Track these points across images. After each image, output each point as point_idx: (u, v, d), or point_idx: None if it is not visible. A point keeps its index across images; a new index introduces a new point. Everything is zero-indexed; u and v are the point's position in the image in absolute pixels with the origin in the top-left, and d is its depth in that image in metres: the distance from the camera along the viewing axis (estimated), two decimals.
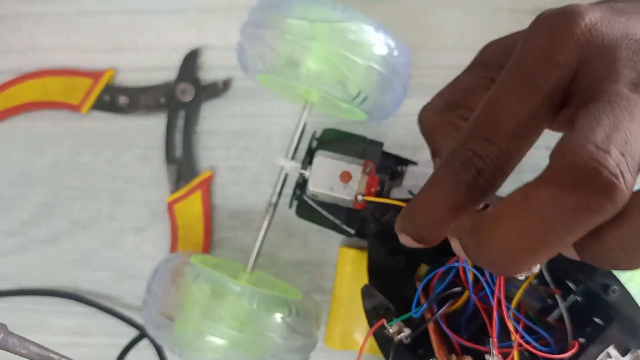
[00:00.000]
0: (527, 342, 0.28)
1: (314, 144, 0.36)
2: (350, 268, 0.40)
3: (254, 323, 0.32)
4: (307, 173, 0.34)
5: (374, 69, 0.33)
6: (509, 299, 0.29)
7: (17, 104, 0.45)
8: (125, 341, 0.42)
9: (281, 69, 0.34)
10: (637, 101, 0.21)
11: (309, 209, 0.36)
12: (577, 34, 0.22)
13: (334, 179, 0.33)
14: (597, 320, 0.30)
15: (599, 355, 0.29)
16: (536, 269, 0.26)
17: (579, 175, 0.19)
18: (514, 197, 0.21)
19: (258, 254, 0.36)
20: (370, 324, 0.30)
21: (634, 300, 0.29)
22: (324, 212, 0.35)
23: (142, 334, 0.42)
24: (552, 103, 0.23)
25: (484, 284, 0.29)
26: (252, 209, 0.43)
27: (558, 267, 0.30)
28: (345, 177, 0.33)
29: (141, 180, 0.44)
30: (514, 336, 0.28)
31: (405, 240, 0.25)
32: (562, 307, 0.30)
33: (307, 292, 0.39)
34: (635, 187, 0.20)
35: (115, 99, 0.44)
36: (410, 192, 0.32)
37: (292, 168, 0.35)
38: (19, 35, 0.46)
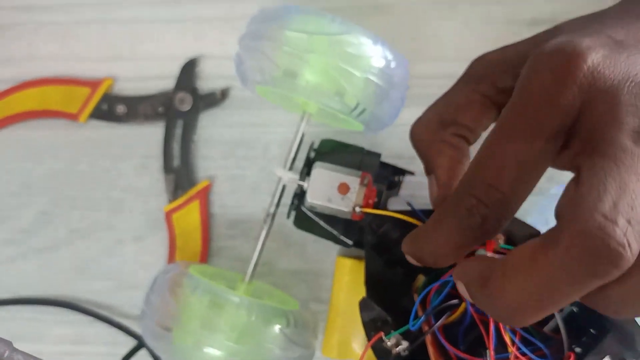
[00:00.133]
0: (524, 354, 0.29)
1: (312, 154, 0.37)
2: (347, 278, 0.40)
3: (252, 334, 0.33)
4: (305, 184, 0.34)
5: (371, 81, 0.33)
6: None
7: (15, 113, 0.45)
8: (123, 350, 0.43)
9: (279, 81, 0.34)
10: None
11: (307, 219, 0.36)
12: (580, 78, 0.22)
13: (332, 191, 0.33)
14: (592, 330, 0.30)
15: None
16: None
17: (588, 245, 0.20)
18: (523, 255, 0.21)
19: (256, 264, 0.36)
20: (369, 337, 0.30)
21: None
22: (322, 223, 0.35)
23: (141, 344, 0.42)
24: (555, 146, 0.23)
25: None
26: (250, 218, 0.43)
27: None
28: (343, 189, 0.33)
29: (139, 189, 0.44)
30: (511, 348, 0.28)
31: (411, 260, 0.26)
32: (558, 317, 0.30)
33: (304, 301, 0.39)
34: None
35: (113, 108, 0.44)
36: (409, 204, 0.33)
37: (290, 179, 0.35)
38: (18, 44, 0.46)
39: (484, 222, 0.23)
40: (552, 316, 0.31)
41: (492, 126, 0.30)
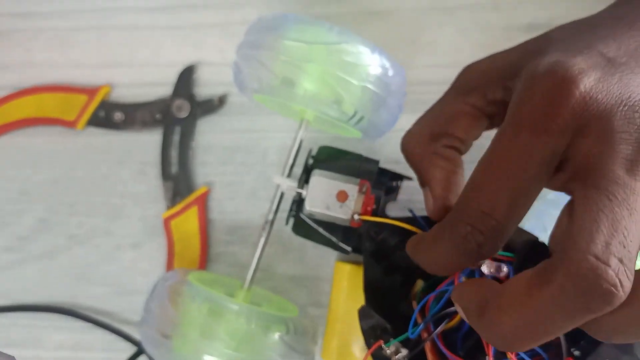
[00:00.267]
0: (522, 359, 0.29)
1: (310, 161, 0.37)
2: (346, 283, 0.40)
3: (251, 342, 0.33)
4: (303, 192, 0.35)
5: (369, 90, 0.34)
6: None
7: (13, 120, 0.45)
8: (122, 356, 0.43)
9: (277, 90, 0.34)
10: (633, 188, 0.21)
11: (305, 226, 0.36)
12: (573, 103, 0.22)
13: (331, 199, 0.34)
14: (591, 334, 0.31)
15: None
16: None
17: (581, 286, 0.21)
18: (519, 289, 0.22)
19: (255, 271, 0.37)
20: (368, 345, 0.30)
21: None
22: (321, 230, 0.35)
23: (140, 350, 0.42)
24: (548, 171, 0.23)
25: None
26: (248, 224, 0.44)
27: None
28: (342, 196, 0.34)
29: (137, 196, 0.44)
30: (509, 354, 0.29)
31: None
32: None
33: (303, 306, 0.39)
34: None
35: (111, 115, 0.44)
36: (410, 211, 0.33)
37: (289, 187, 0.35)
38: (15, 51, 0.46)
39: (480, 247, 0.24)
40: None
41: (483, 135, 0.31)
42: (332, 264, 0.42)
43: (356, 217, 0.33)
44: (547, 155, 0.23)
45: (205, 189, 0.43)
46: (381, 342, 0.29)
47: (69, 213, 0.45)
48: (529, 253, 0.30)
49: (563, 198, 0.24)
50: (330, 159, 0.37)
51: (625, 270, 0.21)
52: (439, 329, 0.28)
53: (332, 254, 0.42)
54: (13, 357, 0.23)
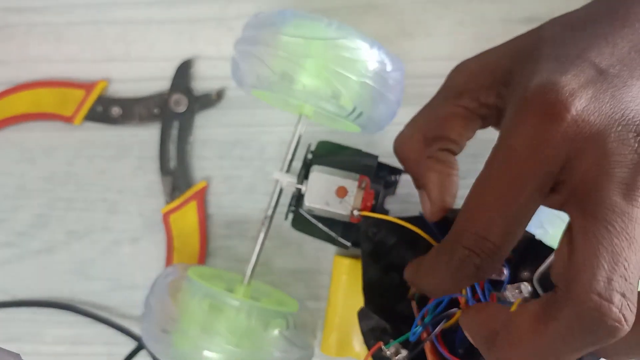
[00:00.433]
0: None
1: (309, 156, 0.37)
2: (345, 277, 0.40)
3: (251, 337, 0.33)
4: (303, 188, 0.35)
5: (368, 85, 0.34)
6: None
7: (9, 116, 0.45)
8: (121, 350, 0.43)
9: (276, 85, 0.34)
10: (631, 215, 0.21)
11: (305, 221, 0.36)
12: (564, 127, 0.22)
13: (330, 194, 0.34)
14: None
15: None
16: (527, 292, 0.27)
17: (586, 323, 0.21)
18: (526, 324, 0.23)
19: (254, 266, 0.37)
20: (368, 346, 0.31)
21: None
22: (320, 225, 0.35)
23: (141, 345, 0.42)
24: (542, 193, 0.23)
25: (481, 297, 0.29)
26: (247, 219, 0.44)
27: (550, 282, 0.30)
28: (341, 192, 0.34)
29: (136, 191, 0.44)
30: None
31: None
32: None
33: (302, 300, 0.40)
34: None
35: (108, 110, 0.44)
36: (421, 214, 0.33)
37: (288, 183, 0.35)
38: (9, 46, 0.46)
39: (477, 269, 0.24)
40: None
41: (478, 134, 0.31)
42: (330, 258, 0.42)
43: (356, 212, 0.33)
44: (540, 179, 0.23)
45: (204, 183, 0.43)
46: (381, 343, 0.29)
47: (67, 208, 0.45)
48: (526, 250, 0.30)
49: None
50: (329, 154, 0.37)
51: (628, 304, 0.21)
52: (437, 329, 0.29)
53: (331, 247, 0.42)
54: (18, 354, 0.23)
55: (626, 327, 0.21)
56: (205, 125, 0.44)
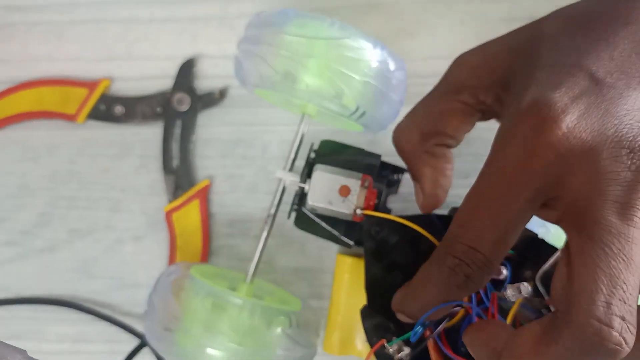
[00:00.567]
0: None
1: (312, 155, 0.37)
2: (347, 275, 0.41)
3: (255, 336, 0.33)
4: (306, 186, 0.35)
5: (370, 85, 0.34)
6: (505, 313, 0.29)
7: (12, 114, 0.45)
8: (123, 348, 0.43)
9: (279, 85, 0.34)
10: (627, 236, 0.21)
11: (307, 220, 0.36)
12: (555, 144, 0.22)
13: (333, 193, 0.34)
14: None
15: None
16: (527, 292, 0.27)
17: (587, 347, 0.21)
18: (527, 345, 0.23)
19: (257, 264, 0.37)
20: (371, 344, 0.31)
21: None
22: (323, 224, 0.36)
23: (143, 343, 0.42)
24: (532, 208, 0.24)
25: (484, 297, 0.29)
26: (249, 217, 0.44)
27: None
28: (344, 191, 0.34)
29: (138, 189, 0.44)
30: None
31: (402, 317, 0.28)
32: None
33: (305, 299, 0.40)
34: None
35: (111, 108, 0.44)
36: (430, 214, 0.33)
37: (291, 181, 0.36)
38: (11, 45, 0.46)
39: (468, 279, 0.24)
40: None
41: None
42: (333, 256, 0.42)
43: (359, 211, 0.33)
44: (531, 193, 0.23)
45: (207, 182, 0.44)
46: (384, 341, 0.30)
47: (69, 207, 0.45)
48: (527, 249, 0.30)
49: None
50: (332, 153, 0.37)
51: (628, 327, 0.21)
52: (440, 328, 0.29)
53: (333, 246, 0.43)
54: (24, 350, 0.23)
55: (626, 349, 0.21)
56: (207, 124, 0.44)
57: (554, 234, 0.32)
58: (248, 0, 0.45)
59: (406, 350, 0.29)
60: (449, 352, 0.29)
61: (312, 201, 0.34)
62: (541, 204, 0.24)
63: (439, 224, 0.32)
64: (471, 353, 0.26)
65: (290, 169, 0.37)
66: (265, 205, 0.37)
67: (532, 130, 0.23)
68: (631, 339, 0.22)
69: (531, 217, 0.24)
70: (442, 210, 0.34)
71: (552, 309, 0.31)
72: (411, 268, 0.33)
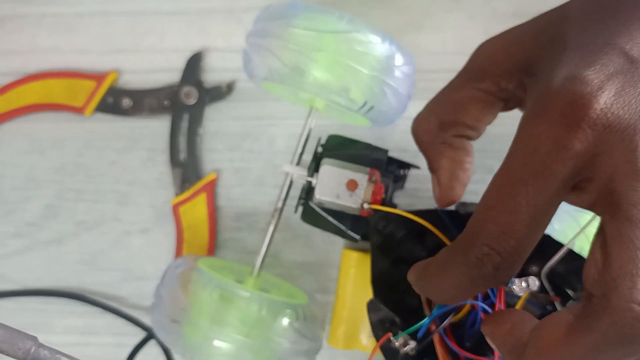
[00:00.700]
0: None
1: (319, 150, 0.37)
2: (353, 270, 0.41)
3: (262, 328, 0.33)
4: (313, 181, 0.35)
5: (379, 79, 0.34)
6: (511, 307, 0.29)
7: (20, 106, 0.45)
8: (131, 341, 0.43)
9: (287, 78, 0.34)
10: None
11: (314, 214, 0.36)
12: (593, 119, 0.21)
13: (341, 188, 0.34)
14: None
15: None
16: (534, 286, 0.27)
17: (627, 334, 0.20)
18: (558, 334, 0.22)
19: (264, 257, 0.37)
20: (377, 337, 0.31)
21: None
22: (330, 219, 0.36)
23: (151, 335, 0.42)
24: (565, 190, 0.22)
25: (489, 291, 0.29)
26: (256, 211, 0.44)
27: (558, 277, 0.31)
28: (352, 185, 0.34)
29: (146, 182, 0.45)
30: None
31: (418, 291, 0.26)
32: None
33: (311, 293, 0.40)
34: None
35: (119, 101, 0.44)
36: (436, 210, 0.32)
37: (299, 175, 0.36)
38: (19, 37, 0.46)
39: (496, 270, 0.22)
40: (555, 311, 0.31)
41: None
42: (339, 251, 0.42)
43: (366, 206, 0.34)
44: (566, 173, 0.22)
45: (214, 175, 0.44)
46: (390, 334, 0.30)
47: (77, 199, 0.45)
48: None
49: None
50: (339, 147, 0.37)
51: None
52: (446, 322, 0.29)
53: (340, 241, 0.43)
54: (35, 337, 0.23)
55: None
56: (215, 118, 0.44)
57: (559, 231, 0.32)
58: None
59: (412, 344, 0.29)
60: (454, 347, 0.29)
61: (319, 195, 0.34)
62: (572, 187, 0.23)
63: (446, 219, 0.32)
64: (492, 344, 0.25)
65: (298, 163, 0.37)
66: (272, 199, 0.38)
67: (569, 106, 0.21)
68: None
69: (562, 200, 0.23)
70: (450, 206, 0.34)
71: (558, 305, 0.31)
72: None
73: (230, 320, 0.33)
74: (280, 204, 0.37)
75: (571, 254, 0.30)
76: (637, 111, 0.21)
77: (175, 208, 0.43)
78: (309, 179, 0.35)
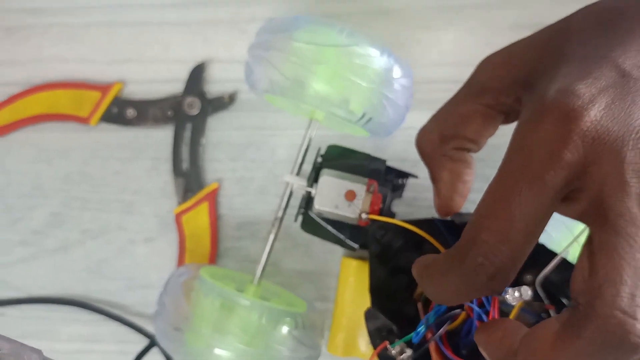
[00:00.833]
0: None
1: (319, 160, 0.38)
2: (352, 278, 0.41)
3: (262, 336, 0.34)
4: (313, 190, 0.35)
5: (377, 91, 0.34)
6: (505, 316, 0.30)
7: (27, 117, 0.46)
8: (134, 348, 0.44)
9: (288, 90, 0.35)
10: None
11: (314, 224, 0.37)
12: (584, 131, 0.22)
13: (339, 198, 0.34)
14: None
15: None
16: (527, 296, 0.27)
17: (611, 340, 0.21)
18: (546, 341, 0.22)
19: (264, 266, 0.38)
20: (374, 345, 0.31)
21: None
22: (330, 228, 0.36)
23: (153, 342, 0.43)
24: (559, 198, 0.23)
25: (484, 300, 0.30)
26: (257, 220, 0.44)
27: (552, 286, 0.31)
28: (350, 195, 0.34)
29: (149, 191, 0.45)
30: None
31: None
32: None
33: (310, 301, 0.40)
34: None
35: (124, 111, 0.45)
36: (433, 219, 0.33)
37: (299, 185, 0.36)
38: (26, 47, 0.47)
39: (490, 280, 0.23)
40: None
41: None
42: (338, 260, 0.43)
43: (364, 216, 0.34)
44: (560, 182, 0.22)
45: (216, 185, 0.44)
46: (387, 342, 0.30)
47: (82, 208, 0.46)
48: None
49: None
50: (338, 157, 0.37)
51: None
52: (442, 330, 0.29)
53: (339, 249, 0.43)
54: (40, 350, 0.24)
55: None
56: (217, 128, 0.45)
57: (554, 240, 0.32)
58: (260, 5, 0.46)
59: (408, 352, 0.30)
60: (450, 355, 0.29)
61: (318, 205, 0.35)
62: (563, 198, 0.23)
63: (443, 229, 0.33)
64: (484, 353, 0.25)
65: (298, 173, 0.38)
66: (273, 208, 0.38)
67: (561, 118, 0.22)
68: None
69: (555, 209, 0.23)
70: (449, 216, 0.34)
71: (552, 314, 0.32)
72: None
73: (231, 328, 0.33)
74: (280, 214, 0.38)
75: (565, 263, 0.31)
76: (626, 124, 0.22)
77: (178, 217, 0.44)
78: (309, 189, 0.36)
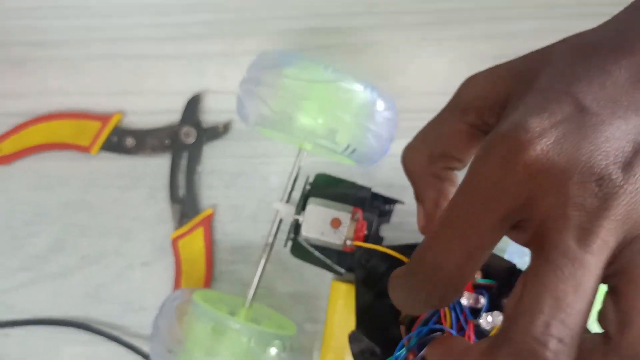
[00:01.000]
0: None
1: (308, 187, 0.39)
2: (341, 301, 0.43)
3: (251, 359, 0.35)
4: (300, 218, 0.37)
5: (361, 124, 0.36)
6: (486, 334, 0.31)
7: (30, 145, 0.48)
8: None
9: (277, 124, 0.37)
10: (582, 261, 0.22)
11: (303, 249, 0.38)
12: (527, 164, 0.22)
13: (325, 225, 0.36)
14: None
15: None
16: (498, 321, 0.29)
17: None
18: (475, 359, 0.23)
19: (256, 289, 0.39)
20: None
21: None
22: (317, 253, 0.38)
23: None
24: (502, 228, 0.24)
25: (463, 324, 0.31)
26: (250, 245, 0.46)
27: None
28: (336, 223, 0.36)
29: (147, 218, 0.47)
30: None
31: None
32: None
33: (301, 323, 0.42)
34: None
35: (123, 140, 0.47)
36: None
37: (287, 213, 0.38)
38: (31, 79, 0.49)
39: (430, 297, 0.25)
40: None
41: None
42: (328, 282, 0.44)
43: (349, 242, 0.36)
44: (503, 213, 0.23)
45: (211, 211, 0.46)
46: None
47: (81, 234, 0.47)
48: (507, 279, 0.32)
49: None
50: (326, 186, 0.39)
51: (564, 350, 0.21)
52: (422, 352, 0.31)
53: (329, 273, 0.45)
54: None
55: None
56: (212, 156, 0.47)
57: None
58: (253, 38, 0.48)
59: None
60: None
61: (305, 232, 0.36)
62: (513, 226, 0.24)
63: None
64: None
65: (288, 200, 0.39)
66: (265, 234, 0.40)
67: (507, 151, 0.23)
68: None
69: (501, 237, 0.24)
70: None
71: None
72: None
73: (222, 351, 0.35)
74: (270, 239, 0.39)
75: None
76: (573, 158, 0.22)
77: (175, 242, 0.46)
78: (296, 216, 0.37)
